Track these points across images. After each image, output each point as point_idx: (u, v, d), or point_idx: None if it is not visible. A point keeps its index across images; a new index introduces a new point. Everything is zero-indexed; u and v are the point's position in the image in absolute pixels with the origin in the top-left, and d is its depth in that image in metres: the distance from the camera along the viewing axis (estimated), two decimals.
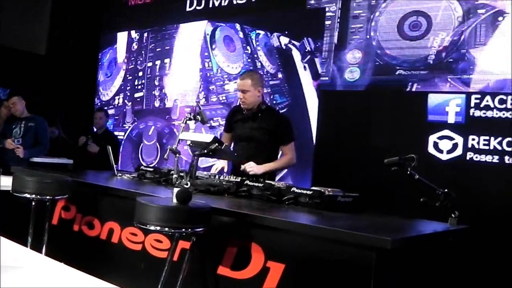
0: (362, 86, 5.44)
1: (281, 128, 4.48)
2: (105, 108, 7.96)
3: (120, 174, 4.74)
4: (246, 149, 4.47)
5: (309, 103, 5.86)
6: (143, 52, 7.95)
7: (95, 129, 7.37)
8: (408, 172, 3.31)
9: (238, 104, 4.73)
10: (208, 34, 7.04)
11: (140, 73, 7.96)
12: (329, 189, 3.42)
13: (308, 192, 3.42)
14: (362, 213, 3.41)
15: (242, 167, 4.24)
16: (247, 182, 3.78)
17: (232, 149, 4.57)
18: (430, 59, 5.01)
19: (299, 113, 5.84)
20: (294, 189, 3.52)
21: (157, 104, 7.67)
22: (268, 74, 6.27)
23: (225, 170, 4.47)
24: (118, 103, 8.27)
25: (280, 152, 4.61)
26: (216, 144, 3.77)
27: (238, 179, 3.90)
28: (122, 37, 8.33)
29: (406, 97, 5.12)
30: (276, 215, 3.07)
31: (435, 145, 4.87)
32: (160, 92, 7.64)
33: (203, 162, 5.85)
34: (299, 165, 5.07)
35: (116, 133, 7.86)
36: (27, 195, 3.78)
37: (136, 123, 7.97)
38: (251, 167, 4.23)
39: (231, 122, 4.68)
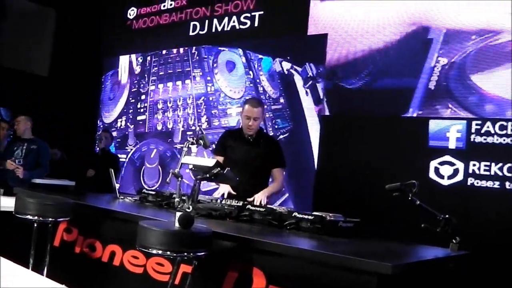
0: (363, 111, 5.47)
1: (277, 152, 4.55)
2: (109, 130, 7.98)
3: (122, 197, 4.74)
4: (243, 173, 4.41)
5: (310, 128, 5.89)
6: (146, 75, 7.98)
7: (97, 150, 7.35)
8: (409, 198, 3.30)
9: (238, 127, 4.72)
10: (210, 59, 7.07)
11: (143, 96, 7.99)
12: (330, 214, 3.41)
13: (310, 217, 3.41)
14: (363, 239, 3.41)
15: (255, 201, 4.23)
16: (249, 206, 3.79)
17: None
18: (431, 85, 5.04)
19: (300, 138, 5.87)
20: (295, 214, 3.52)
21: (159, 127, 7.67)
22: (270, 99, 6.29)
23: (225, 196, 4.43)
24: (121, 125, 8.28)
25: (271, 179, 4.65)
26: (218, 168, 3.73)
27: (240, 204, 3.90)
28: (125, 60, 8.37)
29: (407, 122, 5.14)
30: (277, 240, 3.06)
31: (436, 171, 4.88)
32: (163, 116, 7.64)
33: (205, 185, 5.83)
34: (300, 190, 5.14)
35: (118, 155, 7.87)
36: (29, 217, 3.77)
37: (138, 146, 7.97)
38: (261, 199, 4.24)
39: (225, 146, 4.68)
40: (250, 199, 4.22)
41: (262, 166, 4.52)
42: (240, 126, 4.67)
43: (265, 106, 4.87)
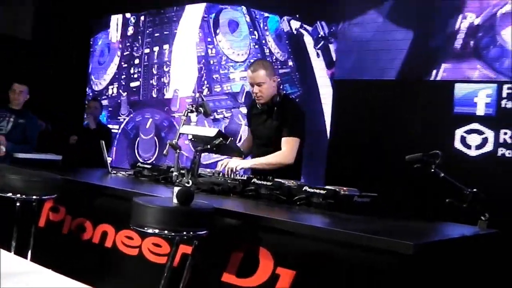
0: (381, 74, 5.45)
1: (288, 118, 4.33)
2: (99, 98, 7.94)
3: (115, 172, 4.75)
4: (260, 148, 4.43)
5: (322, 94, 5.85)
6: (139, 37, 7.97)
7: (86, 122, 7.37)
8: (432, 170, 3.28)
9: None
10: (211, 18, 7.04)
11: (137, 61, 7.97)
12: (344, 189, 3.40)
13: (322, 192, 3.40)
14: (381, 215, 3.38)
15: (219, 164, 4.19)
16: (255, 180, 3.77)
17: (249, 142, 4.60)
18: (458, 43, 4.99)
19: (311, 105, 5.84)
20: (306, 188, 3.50)
21: (155, 94, 7.68)
22: (277, 62, 6.26)
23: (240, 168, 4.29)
24: (112, 93, 8.29)
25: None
26: (221, 138, 3.76)
27: (245, 177, 3.90)
28: (116, 21, 8.33)
29: (430, 86, 5.12)
30: (286, 216, 3.06)
31: (463, 140, 4.87)
32: (159, 82, 7.65)
33: (206, 158, 5.84)
34: (311, 162, 5.12)
35: (110, 126, 7.87)
36: (11, 195, 3.73)
37: (132, 115, 7.99)
38: (229, 164, 4.11)
39: (250, 117, 4.64)
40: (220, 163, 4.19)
41: (277, 136, 4.33)
42: None
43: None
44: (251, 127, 4.62)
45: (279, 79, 4.48)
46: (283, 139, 4.28)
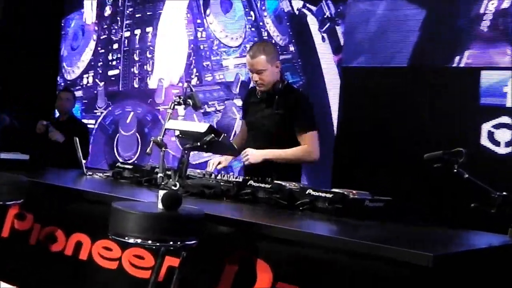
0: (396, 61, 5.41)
1: (299, 111, 4.40)
2: (72, 89, 7.76)
3: (91, 173, 4.76)
4: (257, 141, 4.47)
5: (328, 83, 5.81)
6: (118, 18, 7.91)
7: (57, 115, 7.28)
8: (455, 170, 3.27)
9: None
10: None
11: (115, 46, 7.93)
12: (353, 191, 3.41)
13: (328, 195, 3.41)
14: (395, 222, 3.39)
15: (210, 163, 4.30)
16: (251, 182, 3.79)
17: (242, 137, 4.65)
18: (484, 25, 4.97)
19: (316, 96, 5.71)
20: (310, 191, 3.51)
21: (137, 84, 7.65)
22: (277, 47, 6.01)
23: (221, 166, 4.48)
24: (87, 83, 8.23)
25: None
26: (212, 135, 3.73)
27: (240, 179, 3.92)
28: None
29: (452, 74, 5.09)
30: (287, 224, 3.07)
31: (490, 136, 4.85)
32: (141, 70, 7.61)
33: (196, 157, 5.86)
34: (317, 162, 4.95)
35: (85, 121, 7.79)
36: None
37: (110, 108, 7.94)
38: (246, 155, 4.27)
39: (247, 109, 4.73)
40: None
41: (282, 133, 4.41)
42: None
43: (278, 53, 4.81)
44: (247, 118, 4.67)
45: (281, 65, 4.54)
46: (300, 137, 4.35)
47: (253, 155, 4.27)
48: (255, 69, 4.38)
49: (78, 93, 8.04)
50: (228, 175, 4.14)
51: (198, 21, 7.02)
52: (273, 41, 6.24)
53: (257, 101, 4.55)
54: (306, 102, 4.54)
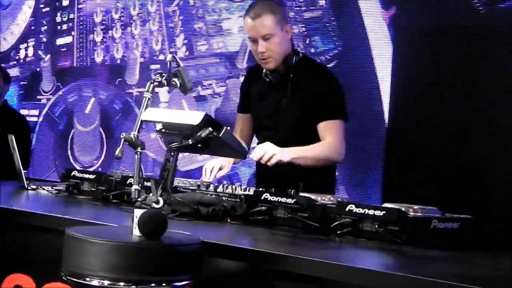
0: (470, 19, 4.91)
1: (322, 93, 4.08)
2: (2, 65, 7.22)
3: (34, 187, 4.54)
4: (271, 139, 4.09)
5: (375, 52, 5.22)
6: None
7: None
8: None
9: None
10: None
11: (66, 2, 7.29)
12: (415, 207, 3.19)
13: (378, 213, 3.19)
14: (477, 250, 3.19)
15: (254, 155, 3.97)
16: (267, 196, 3.50)
17: (239, 138, 4.17)
18: None
19: (357, 70, 5.26)
20: (352, 207, 3.30)
21: (98, 58, 7.03)
22: (300, 1, 5.68)
23: (223, 173, 4.27)
24: (26, 56, 7.68)
25: None
26: (210, 128, 3.30)
27: (251, 191, 3.68)
28: None
29: None
30: (320, 255, 2.80)
31: None
32: (105, 36, 7.02)
33: (185, 161, 5.40)
34: (360, 164, 4.97)
35: (23, 112, 7.33)
36: None
37: (61, 93, 7.36)
38: (270, 154, 3.85)
39: (248, 94, 4.39)
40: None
41: (304, 130, 4.08)
42: None
43: (290, 13, 4.74)
44: (253, 110, 4.38)
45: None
46: (322, 125, 4.08)
47: (283, 150, 3.86)
48: (260, 34, 4.06)
49: (13, 72, 7.49)
50: (233, 186, 3.83)
51: None
52: None
53: (265, 87, 4.24)
54: (333, 81, 4.24)
